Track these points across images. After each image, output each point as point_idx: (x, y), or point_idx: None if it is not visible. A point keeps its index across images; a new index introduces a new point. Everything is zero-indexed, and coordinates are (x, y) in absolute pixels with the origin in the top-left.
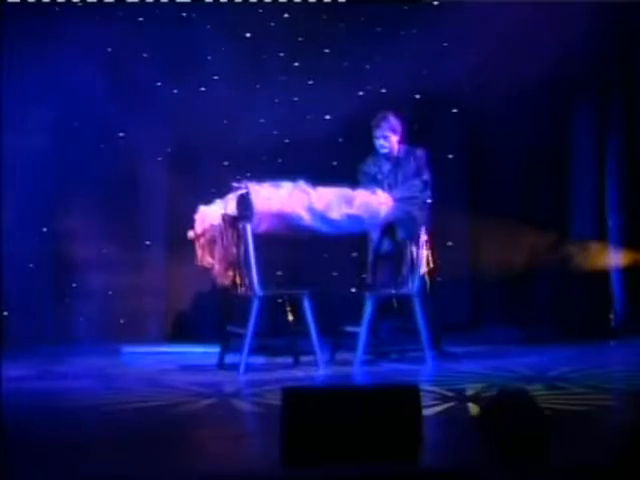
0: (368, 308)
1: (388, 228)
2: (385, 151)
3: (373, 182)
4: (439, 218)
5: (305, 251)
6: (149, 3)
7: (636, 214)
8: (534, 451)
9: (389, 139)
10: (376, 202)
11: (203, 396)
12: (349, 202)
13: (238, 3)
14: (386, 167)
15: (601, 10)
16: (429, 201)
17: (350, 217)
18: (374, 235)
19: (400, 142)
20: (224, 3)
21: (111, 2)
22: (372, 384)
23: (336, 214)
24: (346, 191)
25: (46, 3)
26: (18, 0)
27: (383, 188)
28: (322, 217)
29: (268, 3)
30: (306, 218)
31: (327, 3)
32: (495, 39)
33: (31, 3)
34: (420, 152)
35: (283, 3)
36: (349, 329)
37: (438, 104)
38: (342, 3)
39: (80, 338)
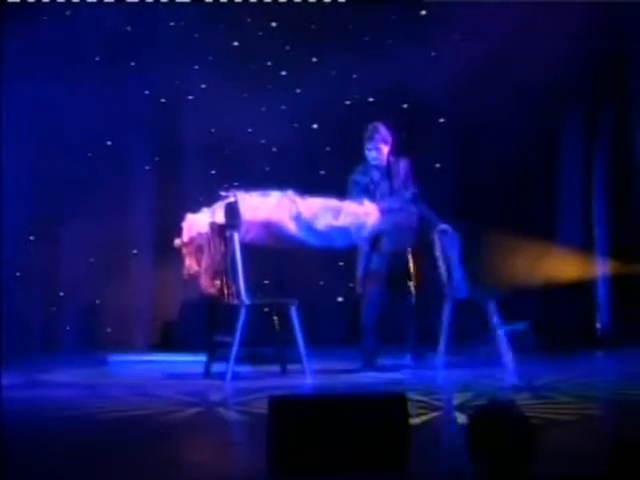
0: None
1: (377, 240)
2: (376, 162)
3: (365, 192)
4: (427, 227)
5: (292, 260)
6: (138, 11)
7: (622, 224)
8: (521, 460)
9: (381, 151)
10: (363, 213)
11: (189, 405)
12: (336, 214)
13: (226, 13)
14: (377, 177)
15: (588, 15)
16: (417, 212)
17: (337, 229)
18: (363, 246)
19: (390, 152)
20: (212, 12)
21: (98, 7)
22: (359, 393)
23: (322, 225)
24: (333, 202)
25: (45, 3)
26: (18, 0)
27: (375, 198)
28: (308, 227)
29: (256, 11)
30: (293, 228)
31: (314, 10)
32: (482, 49)
33: (31, 3)
34: (409, 162)
35: (271, 11)
36: None
37: (425, 114)
38: (329, 10)
39: (67, 347)
